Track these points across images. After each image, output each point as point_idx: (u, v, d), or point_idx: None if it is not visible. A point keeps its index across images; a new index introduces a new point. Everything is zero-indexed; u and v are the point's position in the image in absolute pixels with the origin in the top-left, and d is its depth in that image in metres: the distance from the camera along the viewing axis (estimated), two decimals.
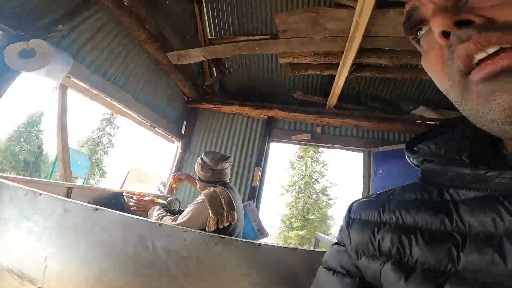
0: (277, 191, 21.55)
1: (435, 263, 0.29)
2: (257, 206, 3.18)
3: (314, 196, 21.26)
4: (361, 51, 2.14)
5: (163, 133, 3.20)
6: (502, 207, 0.27)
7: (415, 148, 0.41)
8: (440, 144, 0.38)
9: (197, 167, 1.81)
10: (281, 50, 2.20)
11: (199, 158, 1.83)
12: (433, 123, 3.41)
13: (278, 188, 21.91)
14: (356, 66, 2.47)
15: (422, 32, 0.35)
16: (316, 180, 21.63)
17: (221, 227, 1.56)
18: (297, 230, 19.76)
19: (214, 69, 3.46)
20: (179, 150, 3.53)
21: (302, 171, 21.78)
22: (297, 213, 20.63)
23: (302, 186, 21.25)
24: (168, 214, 1.80)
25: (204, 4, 2.81)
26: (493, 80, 0.25)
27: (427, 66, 0.34)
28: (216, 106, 3.41)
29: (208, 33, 3.01)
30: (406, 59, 2.28)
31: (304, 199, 20.80)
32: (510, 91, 0.24)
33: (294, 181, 21.78)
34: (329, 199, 21.44)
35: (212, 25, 3.02)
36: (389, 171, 3.32)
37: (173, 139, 3.48)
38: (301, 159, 22.07)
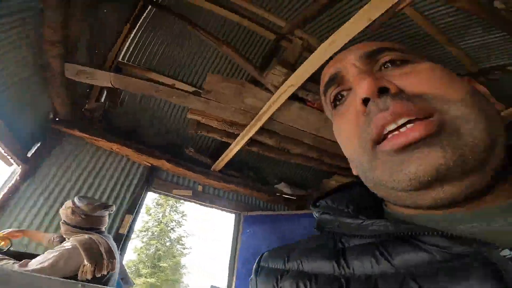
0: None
1: None
2: (122, 254, 2.68)
3: (168, 244, 20.05)
4: (260, 129, 2.51)
5: (1, 150, 2.32)
6: (377, 251, 0.30)
7: (317, 203, 0.45)
8: (335, 200, 0.43)
9: (65, 211, 1.67)
10: (197, 107, 2.25)
11: (70, 201, 1.70)
12: (288, 197, 4.16)
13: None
14: (250, 141, 2.84)
15: (341, 97, 0.38)
16: (172, 228, 20.58)
17: (99, 275, 1.43)
18: (145, 277, 17.75)
19: (105, 93, 3.02)
20: (16, 177, 2.60)
21: (159, 218, 20.36)
22: (146, 259, 18.71)
23: (155, 233, 19.70)
24: (6, 257, 1.46)
25: (137, 27, 2.62)
26: (401, 152, 0.28)
27: (341, 130, 0.37)
28: (93, 138, 2.87)
29: (121, 56, 2.75)
30: (286, 144, 2.83)
31: (156, 246, 19.24)
32: (416, 163, 0.27)
33: (147, 227, 19.91)
34: (184, 248, 20.69)
35: (131, 50, 2.80)
36: (255, 232, 3.68)
37: (11, 161, 2.55)
38: (160, 206, 20.74)
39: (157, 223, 20.14)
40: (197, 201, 3.46)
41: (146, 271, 18.17)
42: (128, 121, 3.30)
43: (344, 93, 0.37)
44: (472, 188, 0.27)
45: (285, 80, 2.05)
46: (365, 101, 0.31)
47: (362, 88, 0.30)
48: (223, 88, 2.13)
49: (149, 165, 3.14)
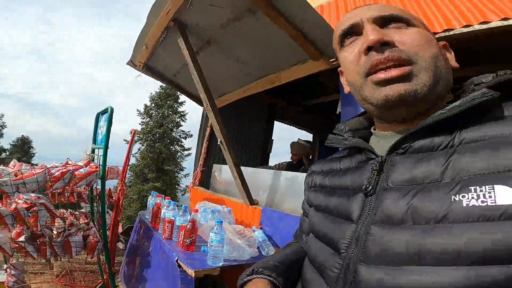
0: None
1: None
2: None
3: (170, 146, 19.66)
4: None
5: None
6: (358, 154, 0.54)
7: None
8: (345, 124, 0.61)
9: (305, 149, 3.05)
10: None
11: (303, 142, 3.09)
12: None
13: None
14: None
15: (348, 40, 0.50)
16: (171, 129, 19.95)
17: None
18: (152, 182, 17.93)
19: None
20: None
21: (158, 120, 19.60)
22: (151, 162, 18.57)
23: (158, 135, 19.26)
24: None
25: None
26: (383, 83, 0.42)
27: (346, 61, 0.50)
28: None
29: None
30: None
31: (160, 149, 18.81)
32: (389, 89, 0.42)
33: (150, 128, 19.25)
34: (183, 150, 20.27)
35: None
36: None
37: None
38: (159, 107, 19.63)
39: (159, 125, 19.41)
40: None
41: (152, 175, 18.15)
42: None
43: (354, 38, 0.49)
44: (416, 110, 0.44)
45: None
46: (369, 48, 0.44)
47: (371, 39, 0.43)
48: None
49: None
